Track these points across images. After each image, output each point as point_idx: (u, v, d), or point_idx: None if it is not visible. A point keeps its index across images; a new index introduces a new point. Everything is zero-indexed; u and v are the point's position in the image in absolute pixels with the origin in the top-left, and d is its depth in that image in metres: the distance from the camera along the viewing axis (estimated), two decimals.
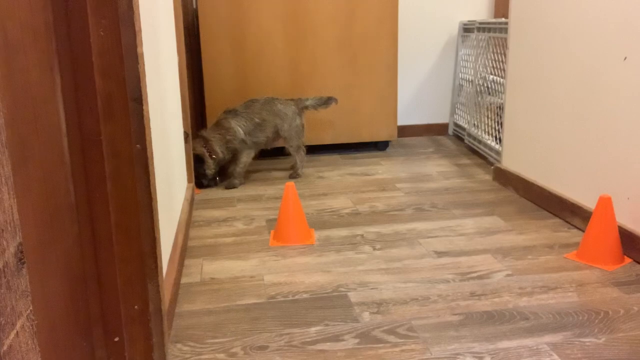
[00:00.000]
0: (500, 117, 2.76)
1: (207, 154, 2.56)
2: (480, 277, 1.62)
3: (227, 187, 2.60)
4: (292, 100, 2.79)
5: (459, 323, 1.37)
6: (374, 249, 1.84)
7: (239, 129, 2.62)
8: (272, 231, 2.01)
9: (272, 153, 3.11)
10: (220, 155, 2.60)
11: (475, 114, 3.18)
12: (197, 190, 2.56)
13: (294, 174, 2.77)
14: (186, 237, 1.90)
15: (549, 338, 1.30)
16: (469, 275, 1.63)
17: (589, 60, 1.89)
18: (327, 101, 2.79)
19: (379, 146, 3.27)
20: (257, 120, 2.67)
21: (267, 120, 2.69)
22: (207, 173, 2.57)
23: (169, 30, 1.98)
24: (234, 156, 2.66)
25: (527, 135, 2.31)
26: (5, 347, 0.44)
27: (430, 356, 1.24)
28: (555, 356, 1.23)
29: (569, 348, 1.26)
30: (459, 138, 3.50)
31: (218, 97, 2.97)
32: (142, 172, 1.02)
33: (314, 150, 3.15)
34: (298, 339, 1.32)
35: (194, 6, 3.12)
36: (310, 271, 1.69)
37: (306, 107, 2.79)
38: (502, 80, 2.81)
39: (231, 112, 2.67)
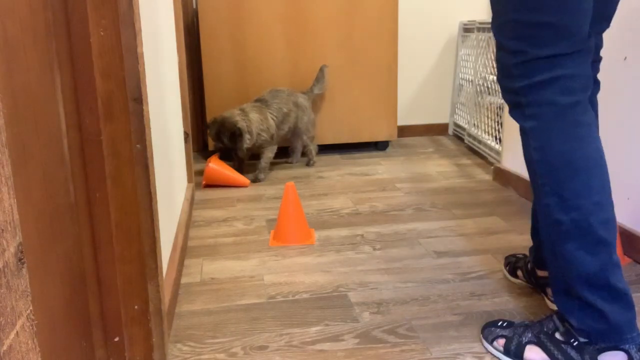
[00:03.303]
0: (500, 117, 2.76)
1: (246, 130, 2.55)
2: (480, 277, 1.62)
3: (254, 181, 2.66)
4: (304, 93, 2.89)
5: (459, 323, 1.37)
6: (374, 249, 1.84)
7: (272, 122, 2.67)
8: (272, 231, 2.01)
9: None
10: (248, 142, 2.59)
11: (475, 114, 3.18)
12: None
13: (309, 162, 2.92)
14: (186, 237, 1.90)
15: None
16: (469, 275, 1.63)
17: None
18: (323, 74, 2.90)
19: (379, 146, 3.27)
20: (285, 110, 2.74)
21: (292, 111, 2.78)
22: (240, 151, 2.58)
23: (169, 30, 1.98)
24: (250, 152, 2.70)
25: None
26: (5, 347, 0.44)
27: (430, 356, 1.24)
28: None
29: None
30: (459, 138, 3.50)
31: (218, 97, 2.97)
32: (142, 172, 1.02)
33: None
34: (298, 339, 1.32)
35: (194, 6, 3.12)
36: (310, 271, 1.69)
37: (316, 95, 2.93)
38: None
39: (261, 102, 2.71)
